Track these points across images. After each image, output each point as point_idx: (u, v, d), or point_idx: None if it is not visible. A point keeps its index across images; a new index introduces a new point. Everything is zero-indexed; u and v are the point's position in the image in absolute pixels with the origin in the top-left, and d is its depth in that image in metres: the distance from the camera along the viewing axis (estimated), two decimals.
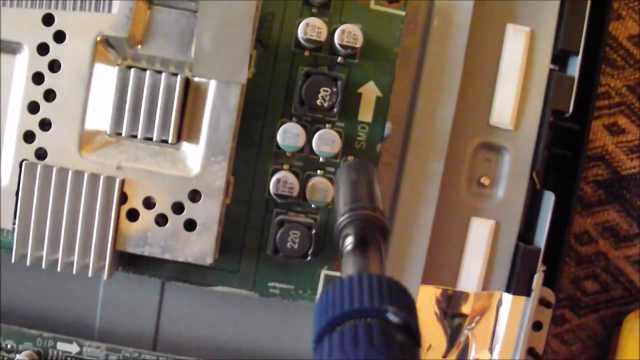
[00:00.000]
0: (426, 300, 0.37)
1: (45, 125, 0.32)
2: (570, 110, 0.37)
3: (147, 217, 0.32)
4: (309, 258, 0.33)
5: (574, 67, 0.38)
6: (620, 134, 0.42)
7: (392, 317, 0.17)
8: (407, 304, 0.18)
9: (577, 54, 0.37)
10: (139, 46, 0.32)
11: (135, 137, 0.32)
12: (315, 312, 0.18)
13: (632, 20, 0.41)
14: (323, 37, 0.33)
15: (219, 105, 0.32)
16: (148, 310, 0.37)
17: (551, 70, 0.38)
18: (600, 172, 0.42)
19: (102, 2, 0.32)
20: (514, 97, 0.37)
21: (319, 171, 0.34)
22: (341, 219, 0.23)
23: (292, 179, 0.33)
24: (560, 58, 0.39)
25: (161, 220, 0.33)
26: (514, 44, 0.37)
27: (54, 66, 0.32)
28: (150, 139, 0.32)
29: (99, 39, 0.32)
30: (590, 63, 0.39)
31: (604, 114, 0.42)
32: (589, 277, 0.43)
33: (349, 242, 0.22)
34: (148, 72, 0.32)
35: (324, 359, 0.15)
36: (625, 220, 0.42)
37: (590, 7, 0.38)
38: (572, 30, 0.37)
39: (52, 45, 0.32)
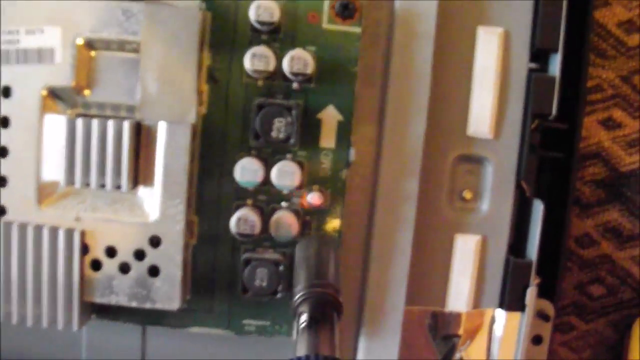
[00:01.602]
0: (414, 323, 0.36)
1: (2, 181, 0.32)
2: (554, 111, 0.35)
3: (110, 266, 0.32)
4: (279, 295, 0.32)
5: (555, 65, 0.35)
6: (616, 128, 0.39)
7: None
8: None
9: (556, 51, 0.35)
10: (87, 93, 0.32)
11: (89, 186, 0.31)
12: None
13: (620, 6, 0.38)
14: (272, 66, 0.31)
15: (170, 147, 0.31)
16: (132, 354, 0.37)
17: (530, 72, 0.35)
18: (598, 170, 0.39)
19: (44, 52, 0.31)
20: (491, 104, 0.35)
21: (283, 203, 0.33)
22: (296, 297, 0.24)
23: (252, 216, 0.32)
24: (541, 55, 0.36)
25: (124, 268, 0.32)
26: (487, 47, 0.35)
27: (5, 122, 0.32)
28: (104, 187, 0.31)
29: (44, 90, 0.31)
30: (576, 56, 0.37)
31: (598, 108, 0.39)
32: (593, 281, 0.40)
33: (302, 320, 0.23)
34: (95, 119, 0.31)
35: None
36: (628, 219, 0.40)
37: None
38: (548, 27, 0.35)
39: (1, 101, 0.31)
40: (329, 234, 0.32)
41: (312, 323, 0.22)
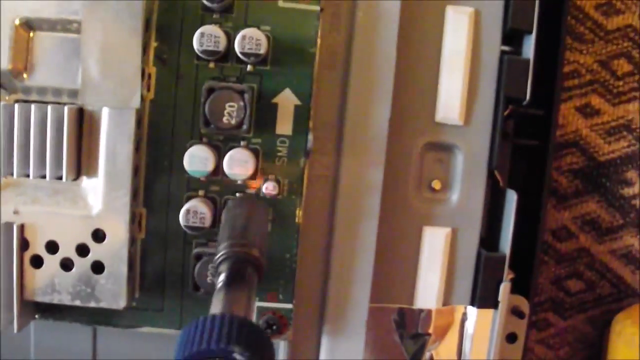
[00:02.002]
0: (380, 321, 0.34)
1: None
2: (528, 96, 0.33)
3: (51, 262, 0.30)
4: None
5: (529, 46, 0.33)
6: (594, 115, 0.37)
7: (239, 357, 0.18)
8: (255, 343, 0.19)
9: (530, 32, 0.33)
10: (26, 77, 0.29)
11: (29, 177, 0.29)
12: (178, 341, 0.20)
13: None
14: (222, 46, 0.29)
15: (114, 134, 0.29)
16: (82, 354, 0.35)
17: (502, 54, 0.33)
18: (575, 159, 0.37)
19: None
20: (461, 89, 0.33)
21: (237, 194, 0.31)
22: (217, 255, 0.24)
23: (202, 208, 0.29)
24: (514, 38, 0.34)
25: (67, 264, 0.30)
26: (456, 27, 0.33)
27: None
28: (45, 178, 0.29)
29: None
30: (552, 39, 0.35)
31: (575, 94, 0.37)
32: (571, 275, 0.38)
33: (221, 279, 0.23)
34: (34, 105, 0.29)
35: None
36: (607, 211, 0.38)
37: None
38: (522, 6, 0.33)
39: None
40: (259, 198, 0.30)
41: (230, 282, 0.22)
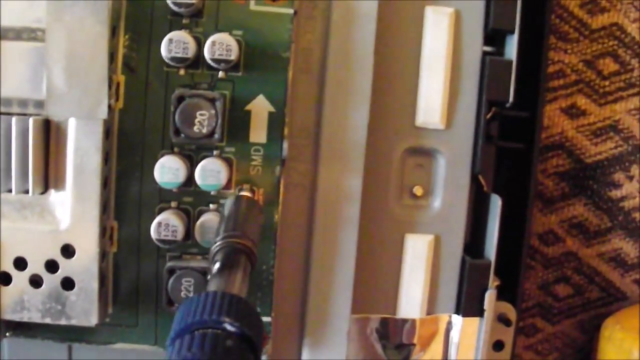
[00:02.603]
0: (363, 332, 0.33)
1: None
2: (511, 98, 0.32)
3: (20, 279, 0.29)
4: None
5: (512, 47, 0.32)
6: (580, 116, 0.36)
7: (229, 327, 0.20)
8: (245, 316, 0.20)
9: (512, 32, 0.32)
10: None
11: None
12: (175, 317, 0.21)
13: None
14: (191, 52, 0.28)
15: (81, 145, 0.28)
16: None
17: (484, 55, 0.32)
18: (562, 162, 0.36)
19: None
20: (441, 92, 0.32)
21: (211, 205, 0.30)
22: (213, 246, 0.25)
23: (174, 220, 0.29)
24: (496, 38, 0.33)
25: (36, 281, 0.29)
26: (436, 28, 0.32)
27: None
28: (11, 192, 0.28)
29: None
30: (535, 38, 0.34)
31: (560, 95, 0.36)
32: (559, 280, 0.37)
33: (216, 266, 0.24)
34: None
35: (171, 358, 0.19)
36: (595, 214, 0.37)
37: None
38: (503, 5, 0.32)
39: None
40: (251, 198, 0.30)
41: (224, 267, 0.23)
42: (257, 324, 0.21)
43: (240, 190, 0.30)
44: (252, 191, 0.30)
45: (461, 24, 0.32)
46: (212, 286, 0.22)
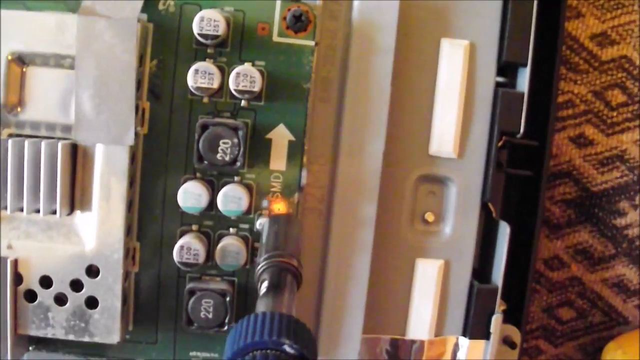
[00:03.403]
0: (373, 352, 0.34)
1: None
2: (522, 130, 0.33)
3: (45, 297, 0.30)
4: (226, 327, 0.30)
5: (524, 79, 0.33)
6: (587, 145, 0.37)
7: (289, 349, 0.20)
8: (303, 338, 0.21)
9: (525, 65, 0.33)
10: (19, 111, 0.29)
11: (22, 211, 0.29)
12: (228, 339, 0.21)
13: (593, 18, 0.36)
14: (216, 83, 0.29)
15: (107, 170, 0.29)
16: None
17: (497, 87, 0.33)
18: (568, 189, 0.37)
19: None
20: (455, 122, 0.33)
21: (231, 229, 0.31)
22: (259, 266, 0.25)
23: (196, 244, 0.30)
24: (508, 69, 0.34)
25: (61, 299, 0.30)
26: (451, 60, 0.33)
27: None
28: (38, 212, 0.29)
29: None
30: (546, 70, 0.35)
31: (569, 124, 0.37)
32: (563, 304, 0.39)
33: (264, 286, 0.24)
34: (27, 140, 0.29)
35: None
36: (599, 241, 0.38)
37: (542, 6, 0.33)
38: (516, 39, 0.33)
39: None
40: (291, 215, 0.31)
41: (272, 288, 0.24)
42: (313, 345, 0.21)
43: (260, 216, 0.30)
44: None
45: (475, 56, 0.33)
46: (262, 307, 0.23)
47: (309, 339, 0.21)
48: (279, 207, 0.30)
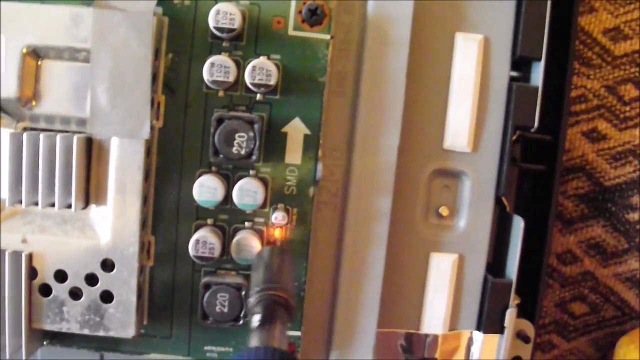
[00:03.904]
0: (387, 346, 0.34)
1: None
2: (536, 124, 0.33)
3: (60, 291, 0.30)
4: (241, 322, 0.30)
5: (538, 74, 0.33)
6: (600, 140, 0.37)
7: None
8: None
9: (539, 59, 0.33)
10: (34, 105, 0.29)
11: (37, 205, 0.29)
12: None
13: (606, 13, 0.35)
14: (232, 76, 0.29)
15: (123, 163, 0.29)
16: None
17: (511, 81, 0.33)
18: (581, 184, 0.37)
19: None
20: (469, 116, 0.33)
21: (246, 223, 0.31)
22: (251, 299, 0.26)
23: (212, 238, 0.29)
24: (522, 63, 0.34)
25: (76, 293, 0.30)
26: (465, 54, 0.32)
27: None
28: (53, 206, 0.29)
29: None
30: (560, 64, 0.35)
31: (582, 119, 0.37)
32: (576, 298, 0.39)
33: (256, 319, 0.24)
34: (42, 133, 0.29)
35: None
36: (612, 236, 0.38)
37: (556, 1, 0.33)
38: (531, 34, 0.32)
39: None
40: (285, 248, 0.31)
41: (265, 321, 0.24)
42: None
43: (275, 210, 0.30)
44: (286, 211, 0.31)
45: (490, 50, 0.33)
46: (256, 341, 0.24)
47: None
48: (275, 235, 0.31)
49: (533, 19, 0.32)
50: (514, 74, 0.34)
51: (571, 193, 0.37)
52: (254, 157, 0.29)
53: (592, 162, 0.37)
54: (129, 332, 0.30)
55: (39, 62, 0.29)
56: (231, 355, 0.32)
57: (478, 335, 0.34)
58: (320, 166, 0.31)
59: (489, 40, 0.33)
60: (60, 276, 0.30)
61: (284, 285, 0.26)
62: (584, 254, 0.38)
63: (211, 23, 0.29)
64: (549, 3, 0.32)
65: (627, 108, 0.37)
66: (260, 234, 0.31)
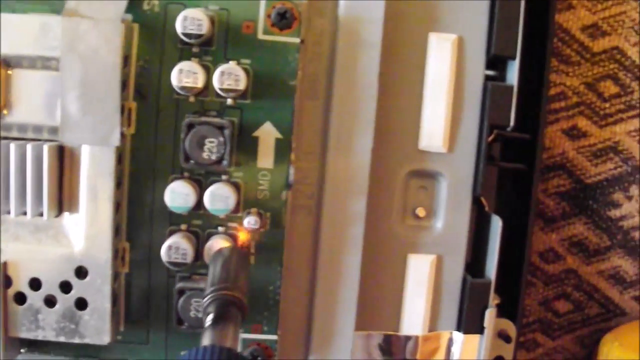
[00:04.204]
0: (366, 348, 0.34)
1: None
2: (512, 123, 0.32)
3: (35, 299, 0.30)
4: None
5: (513, 72, 0.33)
6: (581, 137, 0.36)
7: None
8: None
9: (514, 58, 0.32)
10: (5, 114, 0.29)
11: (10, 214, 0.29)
12: None
13: (584, 9, 0.35)
14: (201, 82, 0.29)
15: (94, 171, 0.29)
16: None
17: (487, 80, 0.33)
18: (562, 182, 0.37)
19: None
20: (444, 116, 0.33)
21: (220, 228, 0.31)
22: (205, 299, 0.26)
23: (184, 244, 0.29)
24: (498, 62, 0.34)
25: (50, 301, 0.30)
26: (439, 55, 0.32)
27: None
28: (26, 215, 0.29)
29: None
30: (537, 62, 0.34)
31: (562, 117, 0.36)
32: (559, 296, 0.38)
33: (209, 319, 0.25)
34: (13, 142, 0.29)
35: None
36: (594, 233, 0.37)
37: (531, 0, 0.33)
38: (505, 33, 0.32)
39: None
40: (238, 248, 0.31)
41: (217, 320, 0.24)
42: None
43: (248, 214, 0.30)
44: (259, 215, 0.31)
45: (464, 50, 0.32)
46: (207, 340, 0.24)
47: None
48: (241, 237, 0.31)
49: (507, 18, 0.32)
50: (490, 72, 0.34)
51: (552, 191, 0.37)
52: (224, 163, 0.29)
53: (573, 160, 0.37)
54: (104, 338, 0.30)
55: (10, 72, 0.29)
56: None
57: (458, 336, 0.34)
58: (292, 170, 0.31)
59: (463, 39, 0.32)
60: (35, 284, 0.30)
61: (236, 285, 0.26)
62: (566, 252, 0.38)
63: (179, 29, 0.29)
64: (522, 2, 0.32)
65: (607, 105, 0.37)
66: (233, 238, 0.31)
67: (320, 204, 0.32)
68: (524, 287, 0.34)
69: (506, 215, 0.33)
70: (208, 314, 0.25)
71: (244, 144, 0.30)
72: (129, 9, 0.29)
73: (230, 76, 0.29)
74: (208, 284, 0.27)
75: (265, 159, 0.30)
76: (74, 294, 0.30)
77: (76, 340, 0.30)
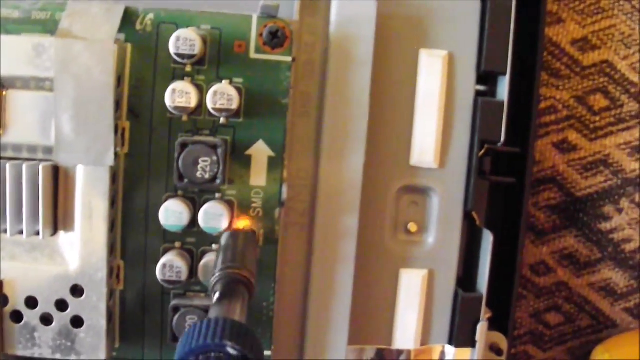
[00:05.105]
0: None
1: None
2: (502, 138, 0.33)
3: (31, 317, 0.30)
4: None
5: (504, 88, 0.33)
6: (571, 151, 0.37)
7: (231, 351, 0.21)
8: (247, 341, 0.21)
9: (504, 74, 0.33)
10: (0, 135, 0.30)
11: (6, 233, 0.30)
12: (177, 346, 0.22)
13: (574, 23, 0.36)
14: (194, 102, 0.29)
15: (89, 190, 0.30)
16: None
17: (478, 95, 0.33)
18: (553, 195, 0.37)
19: None
20: (435, 132, 0.33)
21: (214, 245, 0.31)
22: (212, 278, 0.26)
23: (178, 262, 0.30)
24: (489, 77, 0.34)
25: (46, 319, 0.30)
26: (430, 71, 0.33)
27: None
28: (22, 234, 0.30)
29: None
30: (528, 76, 0.35)
31: (552, 130, 0.37)
32: (550, 309, 0.39)
33: (216, 296, 0.25)
34: (9, 163, 0.29)
35: None
36: (585, 246, 0.38)
37: (522, 14, 0.33)
38: (495, 49, 0.33)
39: None
40: (247, 231, 0.31)
41: (224, 296, 0.25)
42: (257, 348, 0.22)
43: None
44: (252, 230, 0.31)
45: (454, 66, 0.33)
46: (213, 314, 0.23)
47: (254, 341, 0.22)
48: (243, 223, 0.31)
49: (497, 34, 0.32)
50: (481, 88, 0.34)
51: (543, 204, 0.38)
52: (218, 181, 0.29)
53: (563, 173, 0.37)
54: (100, 355, 0.30)
55: (4, 93, 0.30)
56: None
57: (450, 349, 0.35)
58: (285, 188, 0.31)
59: (454, 56, 0.33)
60: (31, 303, 0.30)
61: (246, 265, 0.27)
62: (557, 265, 0.38)
63: (172, 49, 0.29)
64: (513, 17, 0.32)
65: (597, 118, 0.37)
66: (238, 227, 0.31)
67: (313, 220, 0.32)
68: (515, 300, 0.35)
69: (497, 228, 0.34)
70: (215, 292, 0.25)
71: (237, 163, 0.30)
72: (121, 29, 0.30)
73: (223, 96, 0.29)
74: (216, 264, 0.27)
75: (258, 176, 0.31)
76: (69, 312, 0.30)
77: (72, 358, 0.30)
